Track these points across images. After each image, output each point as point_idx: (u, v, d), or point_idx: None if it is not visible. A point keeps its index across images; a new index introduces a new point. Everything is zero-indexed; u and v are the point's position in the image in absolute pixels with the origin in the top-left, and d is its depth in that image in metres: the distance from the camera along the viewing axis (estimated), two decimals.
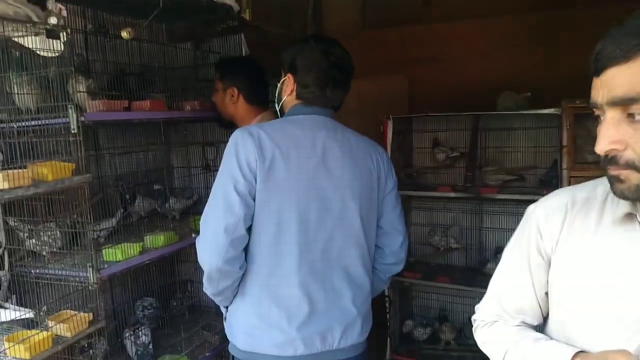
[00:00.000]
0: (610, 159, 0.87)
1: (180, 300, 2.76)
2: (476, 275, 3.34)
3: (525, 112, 3.17)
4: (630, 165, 0.85)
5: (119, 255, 2.05)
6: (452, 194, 3.40)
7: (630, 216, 0.95)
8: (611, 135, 0.85)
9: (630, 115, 0.84)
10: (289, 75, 1.83)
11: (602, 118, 0.89)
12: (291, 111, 1.83)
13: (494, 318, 1.18)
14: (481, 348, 1.20)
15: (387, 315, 3.55)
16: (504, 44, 3.75)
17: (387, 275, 2.01)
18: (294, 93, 1.82)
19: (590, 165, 2.93)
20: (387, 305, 3.55)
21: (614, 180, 0.90)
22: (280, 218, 1.66)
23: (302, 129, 1.74)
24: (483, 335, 1.19)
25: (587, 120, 3.16)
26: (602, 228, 0.99)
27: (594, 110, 0.91)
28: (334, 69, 1.77)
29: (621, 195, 0.90)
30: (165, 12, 2.15)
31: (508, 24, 3.74)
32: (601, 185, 1.03)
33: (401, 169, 3.67)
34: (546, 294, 1.09)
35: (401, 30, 4.08)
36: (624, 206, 0.95)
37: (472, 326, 1.26)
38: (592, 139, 0.89)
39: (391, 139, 3.54)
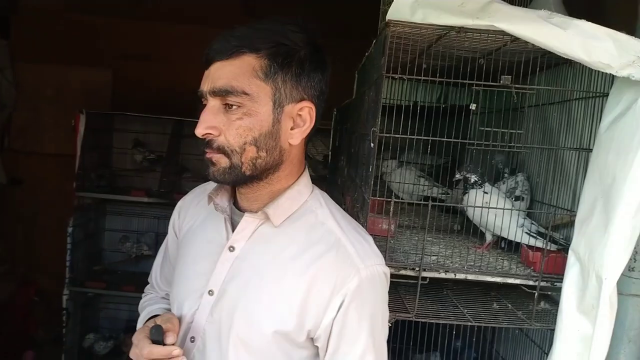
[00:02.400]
0: (207, 143, 0.94)
1: None
2: None
3: None
4: (222, 150, 0.93)
5: None
6: (146, 199, 3.26)
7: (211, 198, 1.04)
8: (209, 120, 0.92)
9: (227, 106, 0.92)
10: None
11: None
12: None
13: (150, 290, 1.28)
14: None
15: (64, 329, 3.19)
16: None
17: None
18: None
19: None
20: (64, 319, 3.19)
21: (209, 164, 0.96)
22: None
23: None
24: (139, 306, 1.27)
25: None
26: (210, 211, 1.07)
27: (202, 100, 0.95)
28: None
29: (212, 178, 0.97)
30: None
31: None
32: None
33: (96, 169, 3.37)
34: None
35: (110, 20, 3.79)
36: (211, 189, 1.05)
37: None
38: None
39: (84, 135, 3.23)
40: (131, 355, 0.99)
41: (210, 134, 0.92)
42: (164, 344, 0.92)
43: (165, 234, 3.33)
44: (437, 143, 1.49)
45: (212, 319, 0.98)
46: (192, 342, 1.00)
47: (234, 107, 0.91)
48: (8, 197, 3.81)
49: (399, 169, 2.17)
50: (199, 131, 0.92)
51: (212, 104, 0.92)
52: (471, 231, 1.63)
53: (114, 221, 3.58)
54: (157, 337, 0.92)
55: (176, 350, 0.91)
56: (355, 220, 1.43)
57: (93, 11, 3.79)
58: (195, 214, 1.13)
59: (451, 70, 1.65)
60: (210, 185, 1.12)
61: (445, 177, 2.06)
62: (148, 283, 1.31)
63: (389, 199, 1.34)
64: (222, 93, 0.91)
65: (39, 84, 3.84)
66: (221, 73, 0.91)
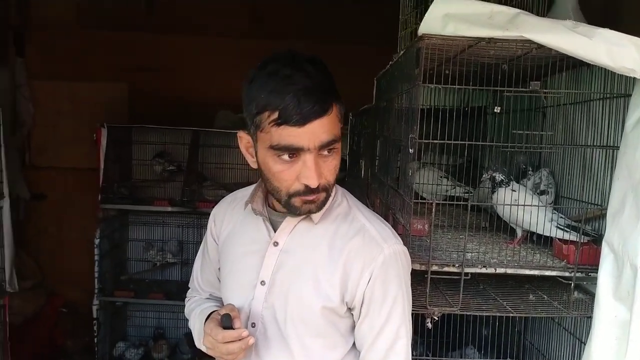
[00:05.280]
0: (312, 190, 1.04)
1: None
2: None
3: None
4: (324, 189, 1.07)
5: None
6: (169, 208, 3.35)
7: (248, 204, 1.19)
8: (319, 170, 1.03)
9: (323, 154, 1.04)
10: None
11: (303, 157, 1.02)
12: None
13: (193, 294, 1.40)
14: None
15: (95, 339, 3.28)
16: (226, 63, 3.82)
17: None
18: None
19: None
20: (95, 328, 3.28)
21: (305, 205, 1.07)
22: None
23: None
24: (186, 309, 1.38)
25: None
26: (246, 216, 1.21)
27: (289, 152, 1.02)
28: None
29: (308, 212, 1.09)
30: None
31: (232, 46, 3.86)
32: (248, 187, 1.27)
33: (118, 181, 3.46)
34: (219, 269, 1.29)
35: (122, 34, 3.87)
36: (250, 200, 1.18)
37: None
38: None
39: (106, 148, 3.32)
40: (205, 342, 1.13)
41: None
42: (234, 329, 1.06)
43: (187, 241, 3.44)
44: (458, 144, 1.55)
45: (267, 304, 1.13)
46: (253, 327, 1.14)
47: (332, 151, 1.05)
48: (32, 212, 3.90)
49: (422, 170, 2.24)
50: (316, 183, 1.03)
51: (313, 154, 1.02)
52: (501, 228, 1.71)
53: (137, 231, 3.67)
54: (228, 323, 1.06)
55: (245, 332, 1.05)
56: (394, 222, 1.52)
57: (105, 26, 3.88)
58: (231, 219, 1.26)
59: (470, 75, 1.72)
60: (240, 194, 1.29)
61: (466, 176, 2.14)
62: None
63: (429, 201, 1.42)
64: (328, 144, 1.03)
65: (56, 99, 3.93)
66: (323, 128, 1.01)
